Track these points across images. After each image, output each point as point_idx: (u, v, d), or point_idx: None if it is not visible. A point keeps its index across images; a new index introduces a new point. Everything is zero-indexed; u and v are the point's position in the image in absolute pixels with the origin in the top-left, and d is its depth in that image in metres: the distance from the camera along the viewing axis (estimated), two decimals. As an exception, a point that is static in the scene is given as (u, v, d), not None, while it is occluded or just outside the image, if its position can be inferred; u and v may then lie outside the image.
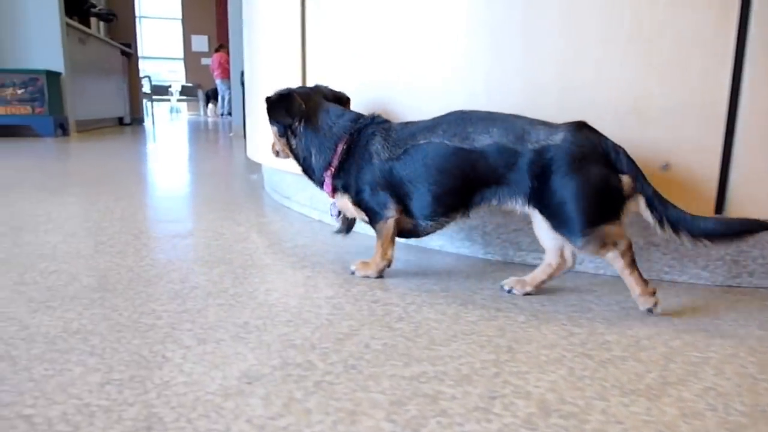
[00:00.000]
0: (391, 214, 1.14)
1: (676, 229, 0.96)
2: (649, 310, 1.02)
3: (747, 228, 0.94)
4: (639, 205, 0.98)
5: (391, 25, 1.39)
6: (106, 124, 7.35)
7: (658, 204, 0.97)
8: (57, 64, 5.37)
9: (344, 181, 1.18)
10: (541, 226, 1.06)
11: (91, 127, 6.52)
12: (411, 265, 1.30)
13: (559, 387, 0.75)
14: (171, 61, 14.73)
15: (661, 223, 0.97)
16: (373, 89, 1.44)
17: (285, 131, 1.23)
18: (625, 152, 0.99)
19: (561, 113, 1.17)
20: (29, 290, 1.06)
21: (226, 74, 11.62)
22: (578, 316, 1.01)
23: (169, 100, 14.24)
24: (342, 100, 1.31)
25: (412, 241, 1.47)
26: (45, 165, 3.12)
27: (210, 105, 13.29)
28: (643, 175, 0.98)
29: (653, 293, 1.01)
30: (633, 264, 1.01)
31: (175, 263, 1.25)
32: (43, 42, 5.33)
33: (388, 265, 1.18)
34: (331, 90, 1.30)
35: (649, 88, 1.13)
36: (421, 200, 1.11)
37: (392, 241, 1.17)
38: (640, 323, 0.98)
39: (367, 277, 1.18)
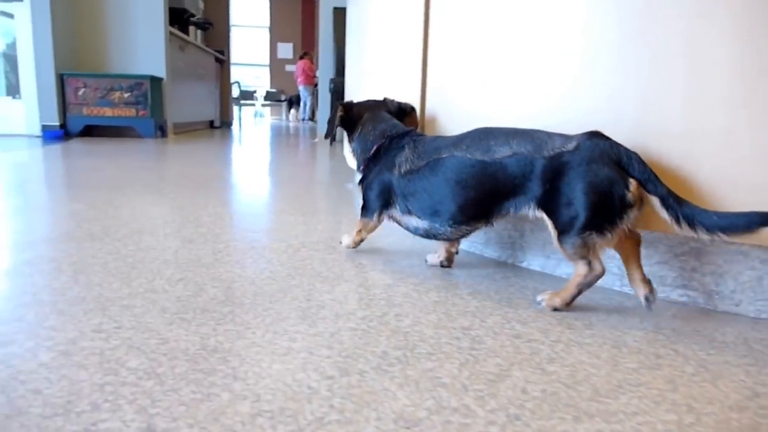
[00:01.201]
0: (375, 218, 1.34)
1: (691, 224, 0.97)
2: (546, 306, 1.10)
3: (759, 220, 0.92)
4: (655, 205, 1.01)
5: (522, 34, 1.30)
6: (199, 127, 7.70)
7: (672, 202, 0.99)
8: (159, 69, 5.68)
9: (364, 173, 1.37)
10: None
11: (186, 130, 6.85)
12: (540, 294, 1.20)
13: (770, 466, 0.63)
14: (257, 67, 15.31)
15: (677, 220, 0.98)
16: (504, 105, 1.36)
17: (350, 136, 1.45)
18: (638, 157, 1.02)
19: (729, 137, 1.04)
20: (160, 299, 1.07)
21: (308, 81, 11.94)
22: (756, 371, 0.87)
23: (254, 105, 14.80)
24: (405, 110, 1.50)
25: (536, 266, 1.37)
26: (150, 166, 3.27)
27: (292, 110, 13.67)
28: (656, 178, 1.01)
29: (567, 305, 1.09)
30: (582, 288, 1.07)
31: (296, 278, 1.23)
32: (149, 49, 5.65)
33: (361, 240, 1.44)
34: (398, 103, 1.49)
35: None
36: (444, 207, 1.18)
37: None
38: (837, 386, 0.84)
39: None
